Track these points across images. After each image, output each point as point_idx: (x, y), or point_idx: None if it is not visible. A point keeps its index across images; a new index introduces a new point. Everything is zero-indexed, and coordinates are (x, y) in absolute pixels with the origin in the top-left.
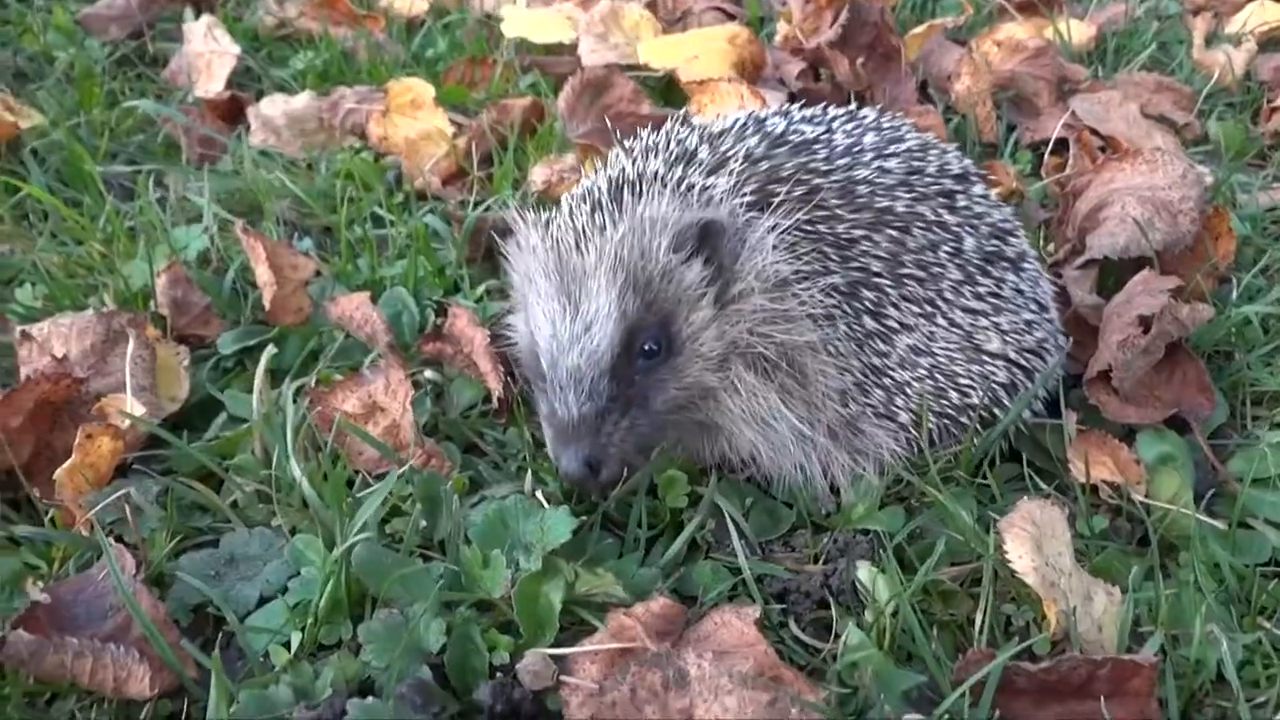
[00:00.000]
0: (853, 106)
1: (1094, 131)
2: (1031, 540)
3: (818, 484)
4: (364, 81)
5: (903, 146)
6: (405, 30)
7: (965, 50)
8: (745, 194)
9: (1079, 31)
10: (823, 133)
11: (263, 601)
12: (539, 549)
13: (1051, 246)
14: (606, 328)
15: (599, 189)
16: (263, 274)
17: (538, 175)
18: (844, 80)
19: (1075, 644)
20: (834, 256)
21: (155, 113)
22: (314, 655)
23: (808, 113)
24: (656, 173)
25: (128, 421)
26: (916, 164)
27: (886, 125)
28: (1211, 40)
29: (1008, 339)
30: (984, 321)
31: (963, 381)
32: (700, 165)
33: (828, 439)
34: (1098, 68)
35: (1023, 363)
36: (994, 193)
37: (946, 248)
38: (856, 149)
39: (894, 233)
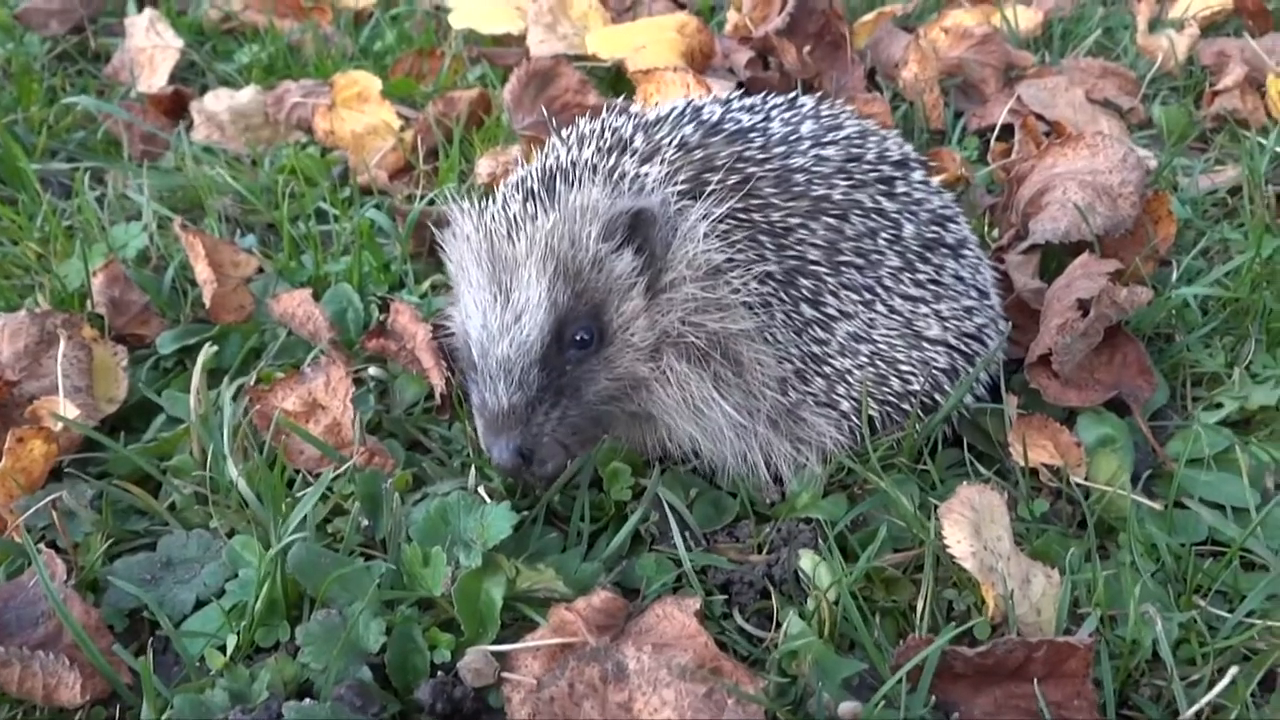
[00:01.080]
0: (793, 94)
1: (1040, 117)
2: (970, 525)
3: (760, 473)
4: (310, 75)
5: (841, 134)
6: (353, 22)
7: (913, 38)
8: (678, 182)
9: (1026, 18)
10: (760, 121)
11: (200, 605)
12: (479, 545)
13: (996, 232)
14: (537, 317)
15: (533, 177)
16: (202, 271)
17: (483, 167)
18: (792, 69)
19: (1013, 626)
20: (769, 245)
21: (95, 109)
22: (251, 658)
23: (746, 101)
24: (589, 161)
25: (60, 424)
26: (855, 151)
27: (826, 113)
28: (1155, 25)
29: (948, 325)
30: (924, 309)
31: (904, 368)
32: (634, 153)
33: (768, 428)
34: (1044, 54)
35: (963, 348)
36: (938, 179)
37: (885, 235)
38: (794, 137)
39: (832, 220)
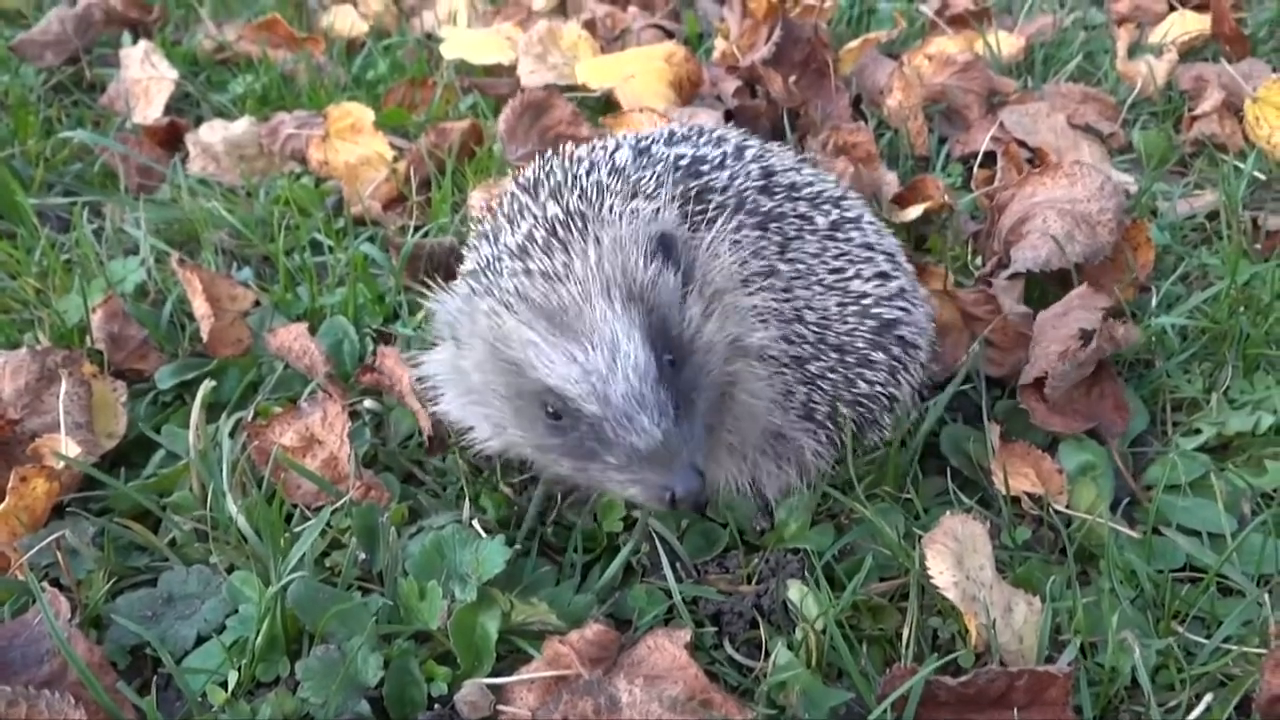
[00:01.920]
0: (689, 126)
1: (1022, 143)
2: (952, 556)
3: (748, 494)
4: (304, 105)
5: (750, 152)
6: (345, 52)
7: (897, 65)
8: (672, 214)
9: (1008, 44)
10: (696, 151)
11: (200, 640)
12: (475, 579)
13: (980, 259)
14: (635, 338)
15: (535, 235)
16: (200, 306)
17: (476, 200)
18: (778, 97)
19: (996, 654)
20: (751, 261)
21: (92, 143)
22: (251, 694)
23: (665, 136)
24: (578, 209)
25: (62, 463)
26: (765, 166)
27: (731, 137)
28: (1134, 51)
29: (870, 284)
30: (850, 271)
31: (869, 374)
32: (616, 194)
33: (755, 450)
34: (1026, 79)
35: (895, 308)
36: (923, 207)
37: (807, 229)
38: (726, 161)
39: (776, 228)
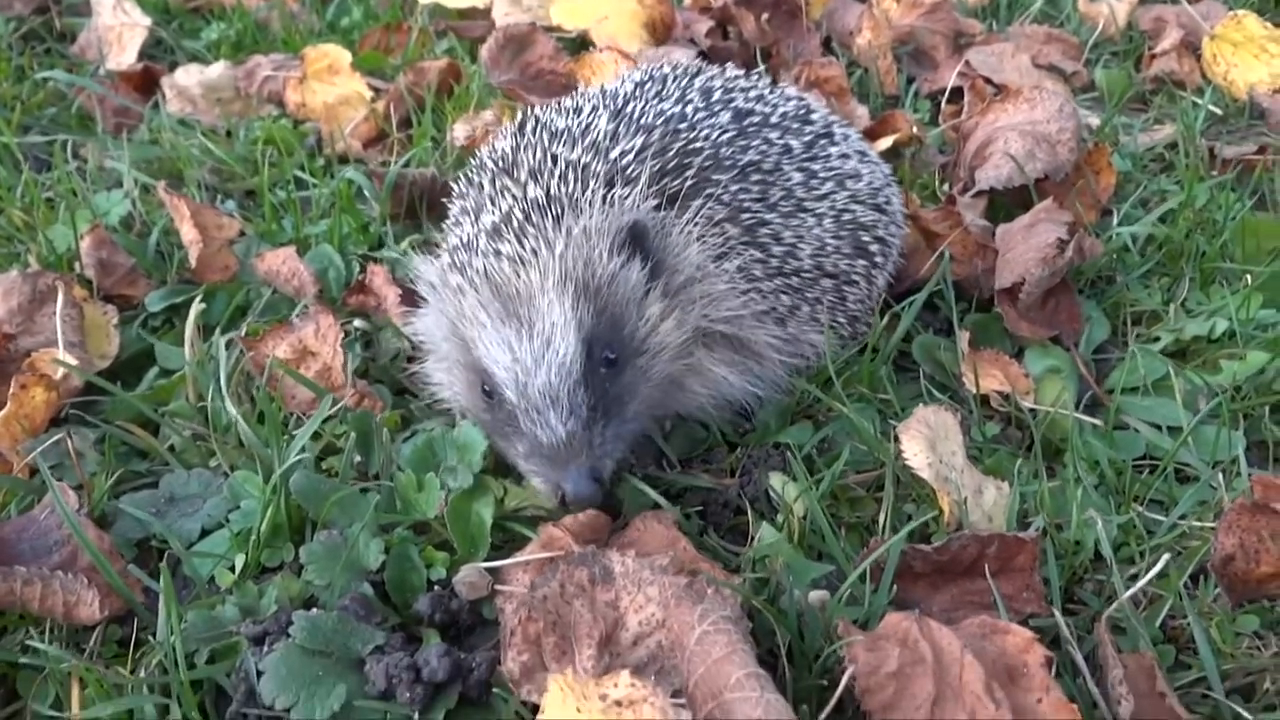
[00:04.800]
0: (651, 70)
1: (988, 80)
2: (926, 440)
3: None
4: (279, 51)
5: (715, 95)
6: None
7: (866, 6)
8: (648, 196)
9: None
10: (669, 109)
11: (205, 534)
12: (467, 465)
13: (948, 186)
14: (568, 338)
15: (512, 217)
16: (188, 232)
17: (460, 132)
18: (751, 37)
19: (967, 530)
20: (728, 219)
21: (67, 83)
22: (258, 578)
23: (634, 89)
24: (556, 193)
25: (61, 371)
26: (738, 107)
27: (697, 80)
28: None
29: (865, 203)
30: (840, 198)
31: (854, 291)
32: (595, 177)
33: (773, 372)
34: (991, 22)
35: (879, 214)
36: (893, 139)
37: (786, 160)
38: (698, 114)
39: (756, 176)
